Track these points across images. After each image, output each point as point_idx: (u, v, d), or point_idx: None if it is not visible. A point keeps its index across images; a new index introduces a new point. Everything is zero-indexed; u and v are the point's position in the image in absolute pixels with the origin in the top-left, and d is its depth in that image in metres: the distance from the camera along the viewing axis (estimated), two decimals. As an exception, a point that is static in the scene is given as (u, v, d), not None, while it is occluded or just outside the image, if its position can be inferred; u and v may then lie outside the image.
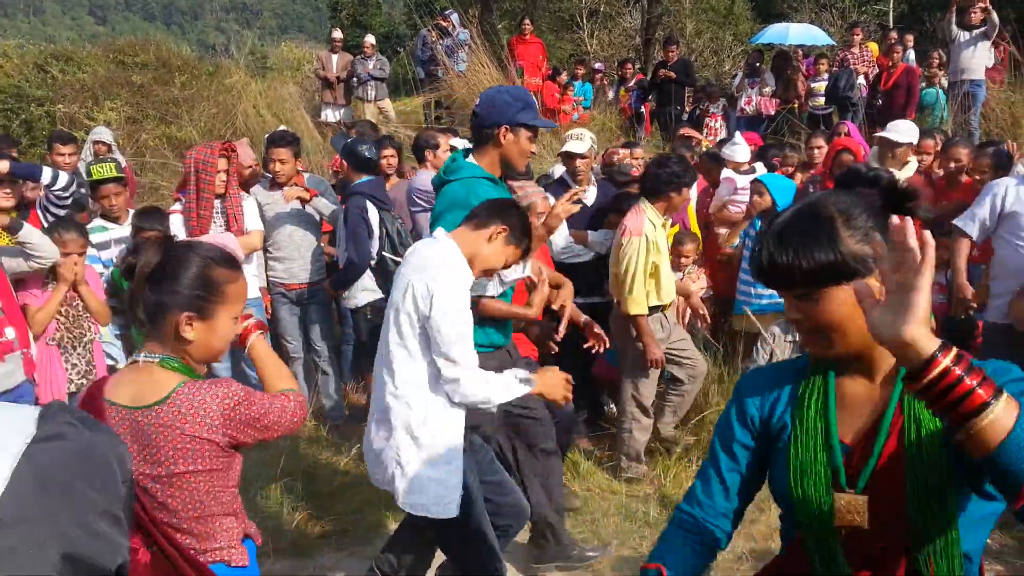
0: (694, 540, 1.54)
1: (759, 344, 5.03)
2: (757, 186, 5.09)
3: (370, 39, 11.55)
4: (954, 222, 4.29)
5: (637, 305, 4.07)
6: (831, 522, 1.37)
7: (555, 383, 2.66)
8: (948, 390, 1.07)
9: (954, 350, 1.09)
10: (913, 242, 1.09)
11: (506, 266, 2.72)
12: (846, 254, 1.29)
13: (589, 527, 3.86)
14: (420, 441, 2.55)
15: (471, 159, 3.11)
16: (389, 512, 4.01)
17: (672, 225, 4.77)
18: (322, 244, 5.23)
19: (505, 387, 2.56)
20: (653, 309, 4.17)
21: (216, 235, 4.49)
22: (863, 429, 1.38)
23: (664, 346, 4.24)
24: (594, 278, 4.77)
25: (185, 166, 4.56)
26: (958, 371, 1.07)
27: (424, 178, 5.24)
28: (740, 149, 6.14)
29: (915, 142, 5.03)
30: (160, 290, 1.78)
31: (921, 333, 1.08)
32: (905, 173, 4.97)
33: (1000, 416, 1.06)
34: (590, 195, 4.93)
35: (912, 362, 1.09)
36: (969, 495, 1.31)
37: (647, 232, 4.08)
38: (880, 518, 1.33)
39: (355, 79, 11.05)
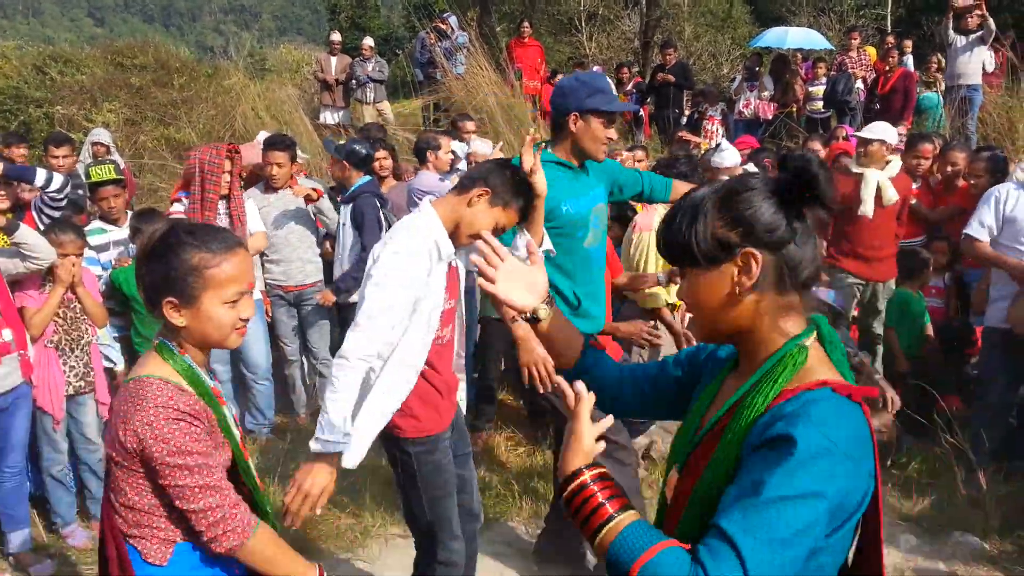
0: (618, 370, 1.66)
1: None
2: None
3: (368, 41, 11.56)
4: (965, 231, 4.27)
5: (654, 299, 4.06)
6: (663, 491, 1.43)
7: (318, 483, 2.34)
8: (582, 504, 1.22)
9: (601, 469, 1.25)
10: (570, 393, 1.32)
11: (500, 229, 2.61)
12: (701, 238, 1.28)
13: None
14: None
15: (550, 149, 3.06)
16: (388, 515, 4.02)
17: None
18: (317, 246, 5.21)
19: (344, 410, 2.38)
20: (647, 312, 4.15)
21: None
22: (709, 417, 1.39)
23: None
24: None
25: (189, 166, 4.55)
26: (593, 485, 1.23)
27: (425, 179, 5.25)
28: (727, 154, 6.15)
29: (890, 141, 5.01)
30: (150, 271, 1.77)
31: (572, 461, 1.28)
32: (888, 173, 4.97)
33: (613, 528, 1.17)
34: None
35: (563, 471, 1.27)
36: None
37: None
38: (679, 502, 1.34)
39: (354, 81, 11.06)
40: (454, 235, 2.60)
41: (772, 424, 1.17)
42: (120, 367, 4.37)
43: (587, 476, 1.24)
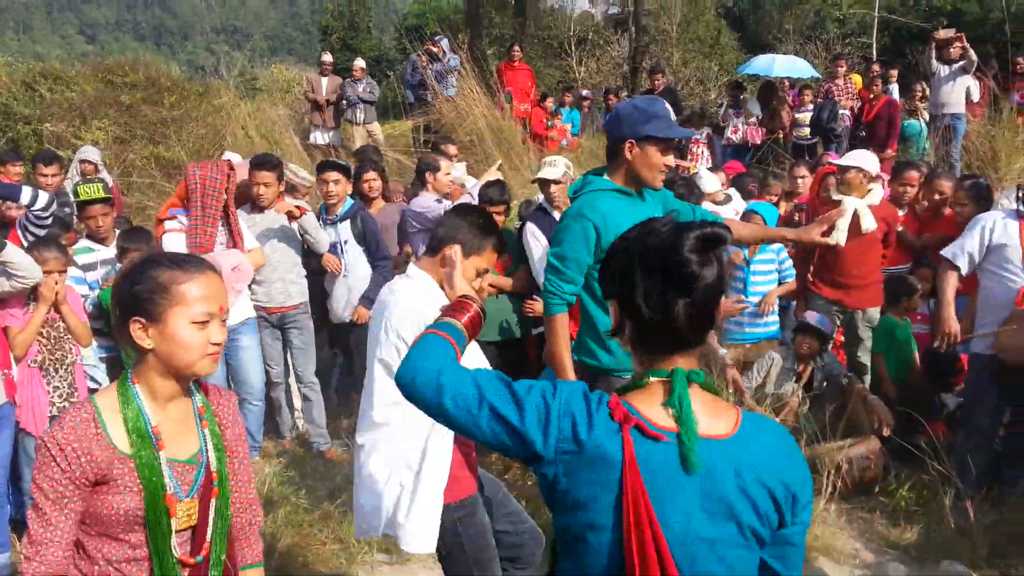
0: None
1: (755, 370, 5.06)
2: (750, 216, 5.16)
3: (360, 63, 11.61)
4: (942, 253, 4.31)
5: None
6: None
7: None
8: None
9: None
10: None
11: (483, 271, 2.62)
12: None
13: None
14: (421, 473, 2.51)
15: (606, 176, 3.06)
16: (374, 542, 3.97)
17: None
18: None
19: None
20: None
21: (225, 252, 4.48)
22: None
23: None
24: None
25: (189, 183, 4.51)
26: None
27: (423, 200, 5.28)
28: (707, 180, 6.20)
29: (868, 168, 5.04)
30: (120, 292, 1.73)
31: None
32: (868, 200, 5.00)
33: None
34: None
35: None
36: None
37: None
38: None
39: (344, 101, 11.10)
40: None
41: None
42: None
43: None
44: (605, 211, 2.95)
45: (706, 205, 6.03)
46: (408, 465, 2.52)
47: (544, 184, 5.01)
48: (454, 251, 2.35)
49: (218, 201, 4.50)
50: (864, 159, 5.14)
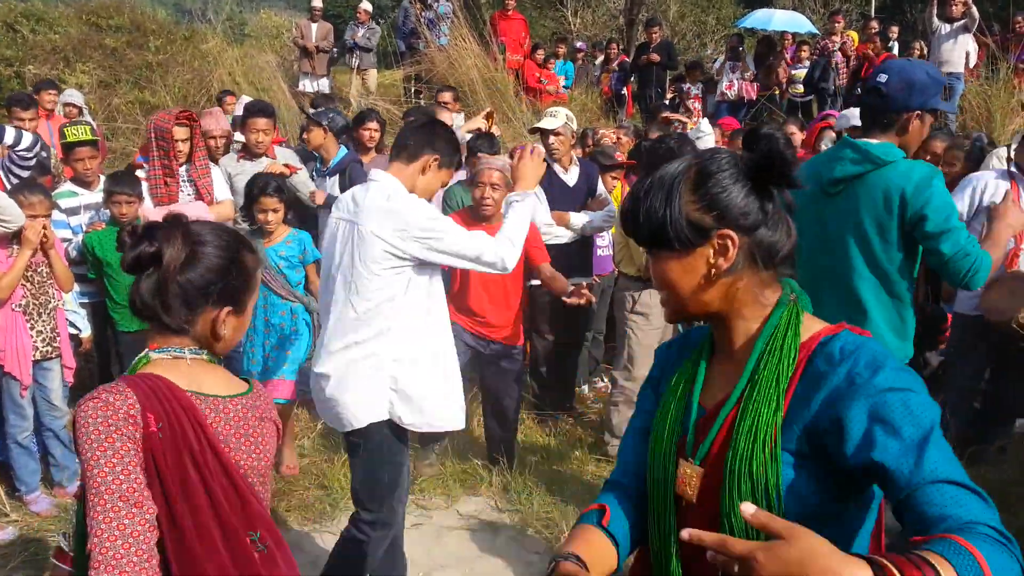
0: (628, 495, 1.45)
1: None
2: None
3: (366, 6, 11.36)
4: None
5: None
6: (672, 490, 1.32)
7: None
8: None
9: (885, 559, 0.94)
10: None
11: (444, 185, 2.96)
12: (676, 220, 1.24)
13: (558, 509, 3.87)
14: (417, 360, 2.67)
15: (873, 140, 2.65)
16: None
17: None
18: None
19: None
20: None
21: (187, 204, 4.41)
22: (721, 399, 1.30)
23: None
24: (576, 260, 4.76)
25: (145, 131, 4.46)
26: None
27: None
28: (707, 139, 6.15)
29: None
30: (192, 284, 1.55)
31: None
32: None
33: None
34: (571, 176, 4.89)
35: None
36: (810, 495, 1.18)
37: None
38: (709, 495, 1.26)
39: (335, 49, 10.89)
40: None
41: (859, 378, 1.14)
42: (85, 333, 4.29)
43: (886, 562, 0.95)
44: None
45: None
46: (413, 359, 2.66)
47: (543, 134, 4.91)
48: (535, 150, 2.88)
49: (171, 151, 4.41)
50: (851, 118, 5.10)
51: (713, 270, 1.25)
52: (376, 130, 5.63)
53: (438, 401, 2.74)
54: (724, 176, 1.24)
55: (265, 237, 4.10)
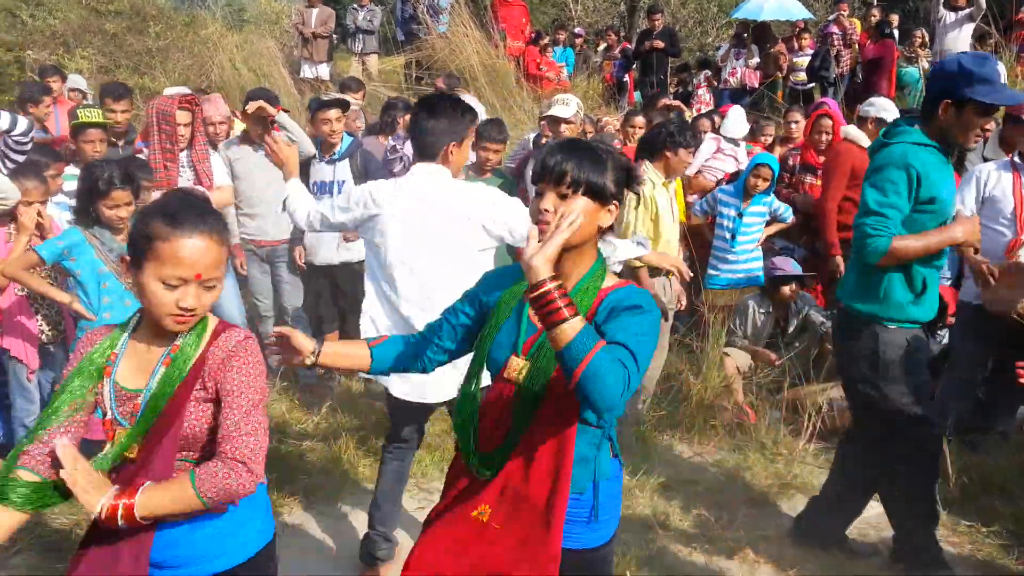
0: (412, 345, 2.16)
1: (736, 318, 5.08)
2: (760, 168, 5.18)
3: None
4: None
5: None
6: (499, 377, 1.92)
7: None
8: (545, 305, 1.60)
9: (559, 281, 1.62)
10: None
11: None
12: (606, 180, 1.80)
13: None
14: None
15: (918, 127, 2.93)
16: (357, 469, 4.04)
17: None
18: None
19: None
20: (655, 272, 4.17)
21: (186, 189, 4.41)
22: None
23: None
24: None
25: (147, 116, 4.45)
26: (555, 295, 1.60)
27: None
28: (738, 126, 6.21)
29: (887, 117, 5.01)
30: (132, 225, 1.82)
31: (538, 262, 1.61)
32: None
33: (568, 328, 1.59)
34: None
35: (530, 281, 1.63)
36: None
37: (644, 190, 4.10)
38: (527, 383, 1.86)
39: (335, 35, 10.84)
40: None
41: (618, 302, 1.78)
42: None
43: (551, 285, 1.61)
44: (926, 164, 2.86)
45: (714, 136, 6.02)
46: None
47: (554, 122, 4.88)
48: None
49: (172, 136, 4.40)
50: (886, 107, 5.09)
51: (600, 224, 1.84)
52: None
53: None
54: (624, 162, 1.88)
55: (117, 233, 3.47)
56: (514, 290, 1.96)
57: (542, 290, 1.61)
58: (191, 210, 1.71)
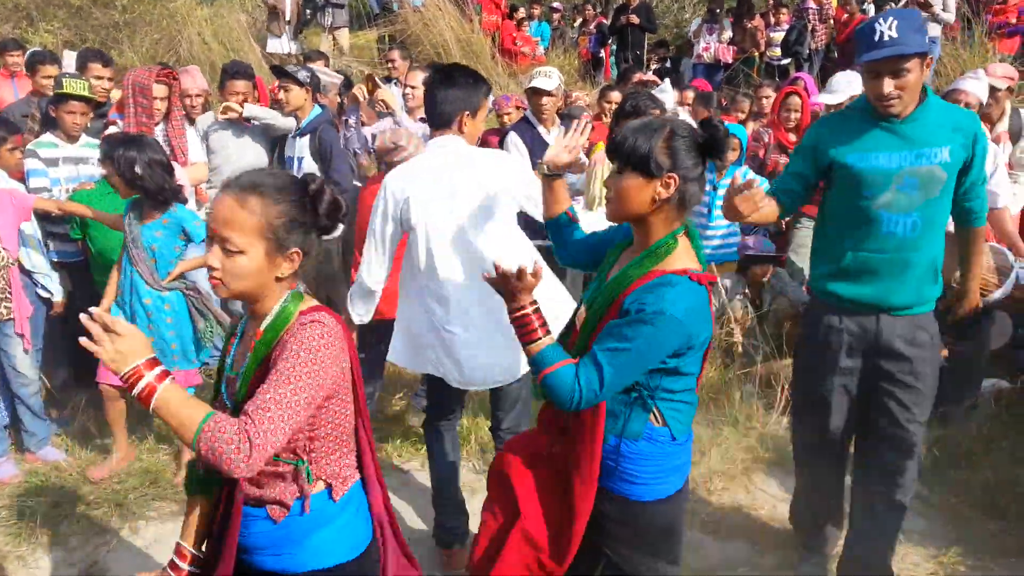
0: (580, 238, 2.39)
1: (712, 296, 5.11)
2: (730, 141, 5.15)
3: None
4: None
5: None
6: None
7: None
8: (523, 325, 1.96)
9: (536, 306, 1.98)
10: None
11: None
12: (652, 155, 1.90)
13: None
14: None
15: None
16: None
17: None
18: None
19: None
20: None
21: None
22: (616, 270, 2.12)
23: None
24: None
25: (123, 87, 4.36)
26: (532, 318, 1.96)
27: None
28: (667, 96, 6.12)
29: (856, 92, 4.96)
30: None
31: (523, 293, 1.96)
32: None
33: (537, 347, 1.94)
34: (552, 135, 4.84)
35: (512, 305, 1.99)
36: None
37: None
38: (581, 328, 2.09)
39: (308, 11, 10.64)
40: None
41: (631, 305, 1.89)
42: (58, 297, 4.19)
43: (528, 310, 1.96)
44: (835, 130, 2.80)
45: None
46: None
47: (536, 94, 4.82)
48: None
49: (148, 109, 4.31)
50: (852, 83, 5.03)
51: (655, 196, 1.93)
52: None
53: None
54: (684, 139, 1.93)
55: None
56: (616, 248, 2.17)
57: (519, 313, 1.96)
58: (245, 174, 1.76)
